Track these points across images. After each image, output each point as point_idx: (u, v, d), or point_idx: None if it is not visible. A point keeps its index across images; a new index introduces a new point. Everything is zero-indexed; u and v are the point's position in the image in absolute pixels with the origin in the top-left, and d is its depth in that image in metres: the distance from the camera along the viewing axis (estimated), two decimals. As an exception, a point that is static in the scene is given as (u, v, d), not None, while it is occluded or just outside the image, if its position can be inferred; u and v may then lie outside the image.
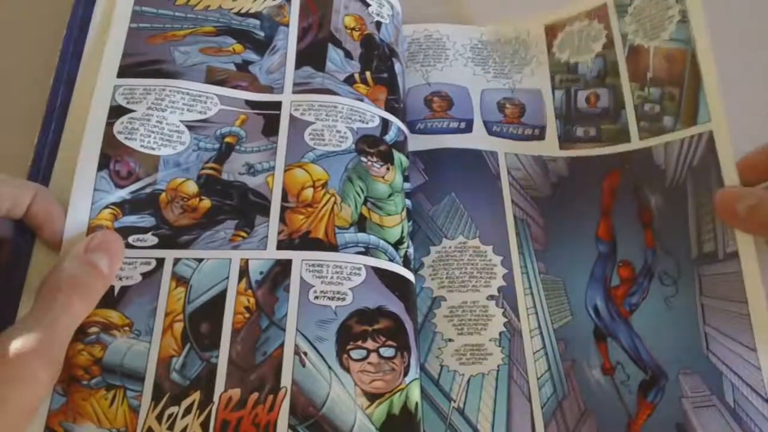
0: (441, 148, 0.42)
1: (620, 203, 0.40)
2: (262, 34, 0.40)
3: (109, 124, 0.35)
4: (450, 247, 0.39)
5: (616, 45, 0.44)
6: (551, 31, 0.46)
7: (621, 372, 0.37)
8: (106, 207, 0.34)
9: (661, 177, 0.39)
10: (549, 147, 0.43)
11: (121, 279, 0.32)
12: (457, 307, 0.38)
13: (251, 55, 0.39)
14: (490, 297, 0.38)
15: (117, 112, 0.36)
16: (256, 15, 0.40)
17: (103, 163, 0.34)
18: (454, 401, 0.35)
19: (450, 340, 0.37)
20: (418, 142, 0.42)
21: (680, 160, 0.38)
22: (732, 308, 0.34)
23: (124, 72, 0.37)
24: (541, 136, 0.43)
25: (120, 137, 0.35)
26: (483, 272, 0.39)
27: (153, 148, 0.35)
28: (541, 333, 0.38)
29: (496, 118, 0.44)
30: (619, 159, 0.41)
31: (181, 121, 0.36)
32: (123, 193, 0.34)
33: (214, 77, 0.38)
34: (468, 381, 0.36)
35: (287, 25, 0.40)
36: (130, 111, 0.36)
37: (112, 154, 0.35)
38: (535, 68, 0.46)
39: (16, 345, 0.27)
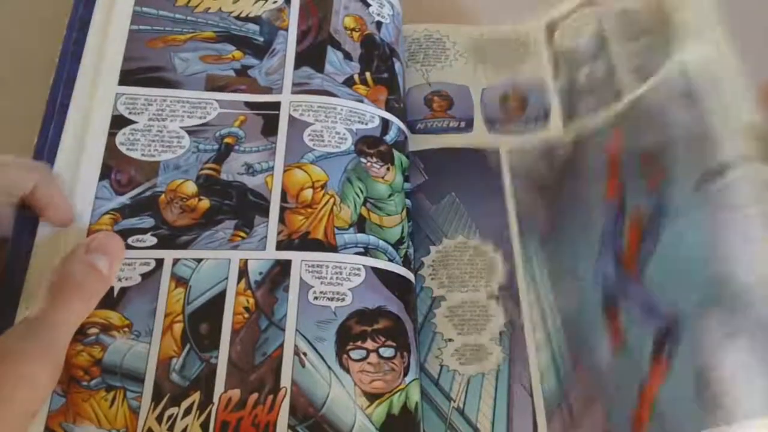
0: (441, 147, 0.42)
1: (626, 166, 0.38)
2: (261, 39, 0.40)
3: (111, 134, 0.35)
4: (450, 247, 0.39)
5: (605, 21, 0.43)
6: (550, 29, 0.46)
7: (632, 339, 0.34)
8: (106, 213, 0.34)
9: (662, 116, 0.37)
10: (552, 131, 0.42)
11: (120, 280, 0.32)
12: (457, 306, 0.38)
13: (250, 60, 0.39)
14: (491, 295, 0.38)
15: (119, 122, 0.36)
16: (256, 20, 0.40)
17: (105, 173, 0.35)
18: (454, 401, 0.35)
19: (450, 340, 0.37)
20: (418, 142, 0.42)
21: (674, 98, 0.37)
22: (751, 211, 0.31)
23: (125, 79, 0.37)
24: (544, 122, 0.43)
25: (122, 148, 0.35)
26: (483, 271, 0.39)
27: (153, 156, 0.35)
28: (545, 326, 0.37)
29: (496, 115, 0.44)
30: (617, 119, 0.39)
31: (181, 128, 0.36)
32: (123, 199, 0.34)
33: (213, 84, 0.38)
34: (468, 381, 0.36)
35: (286, 29, 0.40)
36: (132, 122, 0.36)
37: (113, 165, 0.35)
38: (536, 61, 0.45)
39: (16, 347, 0.27)
